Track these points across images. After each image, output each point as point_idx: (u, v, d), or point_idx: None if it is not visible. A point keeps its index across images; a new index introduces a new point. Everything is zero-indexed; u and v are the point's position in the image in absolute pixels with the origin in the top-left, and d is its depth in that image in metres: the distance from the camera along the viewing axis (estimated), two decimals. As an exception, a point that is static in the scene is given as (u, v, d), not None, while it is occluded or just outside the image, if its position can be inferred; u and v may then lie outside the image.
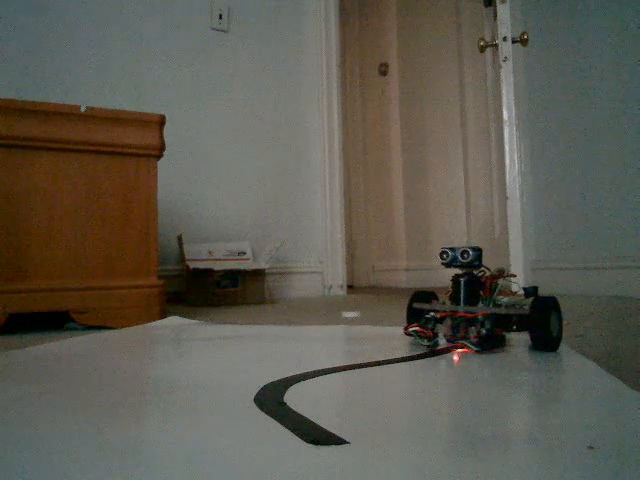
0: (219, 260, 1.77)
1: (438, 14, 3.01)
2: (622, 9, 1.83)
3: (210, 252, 1.79)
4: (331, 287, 2.20)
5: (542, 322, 0.64)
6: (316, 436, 0.33)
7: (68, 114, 1.09)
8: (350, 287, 2.57)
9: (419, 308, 0.71)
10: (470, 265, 0.68)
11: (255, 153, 2.09)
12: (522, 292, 0.72)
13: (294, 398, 0.42)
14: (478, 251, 0.69)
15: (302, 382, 0.48)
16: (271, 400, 0.41)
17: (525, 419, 0.41)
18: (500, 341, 0.66)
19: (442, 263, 0.69)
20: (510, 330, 0.67)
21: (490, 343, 0.64)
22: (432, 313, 0.67)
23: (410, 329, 0.67)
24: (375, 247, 3.14)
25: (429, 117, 3.01)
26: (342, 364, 0.57)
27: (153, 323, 1.09)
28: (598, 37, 1.90)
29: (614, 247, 1.82)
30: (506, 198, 1.76)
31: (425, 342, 0.66)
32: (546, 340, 0.65)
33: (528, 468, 0.29)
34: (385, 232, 3.07)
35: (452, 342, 0.64)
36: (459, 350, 0.63)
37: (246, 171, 2.07)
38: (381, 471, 0.28)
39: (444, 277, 3.09)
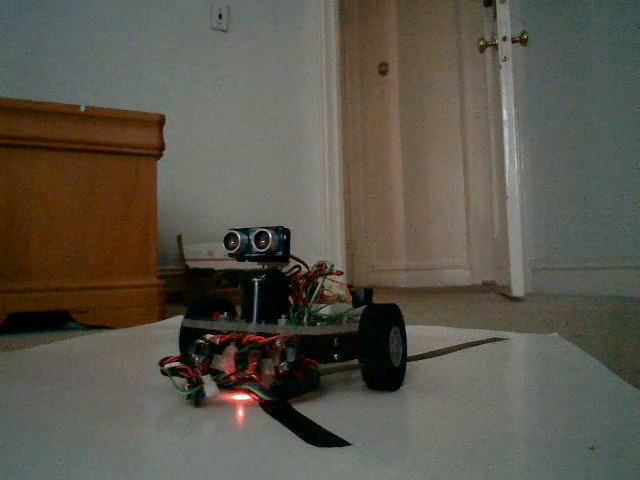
0: (219, 260, 1.77)
1: (438, 14, 3.01)
2: (622, 9, 1.83)
3: (210, 252, 1.79)
4: (330, 287, 2.19)
5: (376, 345, 0.44)
6: (317, 437, 0.33)
7: (68, 114, 1.09)
8: (350, 287, 2.57)
9: (194, 328, 0.48)
10: (273, 257, 0.47)
11: (255, 153, 2.09)
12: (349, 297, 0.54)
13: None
14: (284, 233, 0.46)
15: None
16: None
17: (525, 419, 0.41)
18: (310, 382, 0.42)
19: (229, 254, 0.48)
20: (331, 360, 0.46)
21: (292, 387, 0.41)
22: (209, 336, 0.44)
23: (165, 365, 0.43)
24: (375, 247, 3.14)
25: (429, 117, 3.00)
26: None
27: (155, 323, 1.09)
28: (598, 37, 1.89)
29: (614, 247, 1.82)
30: (506, 198, 1.76)
31: (184, 390, 0.40)
32: (384, 373, 0.44)
33: (528, 468, 0.29)
34: (385, 232, 3.07)
35: (231, 385, 0.40)
36: (240, 399, 0.41)
37: (246, 171, 2.06)
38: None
39: (445, 277, 3.08)
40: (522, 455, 0.32)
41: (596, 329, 0.93)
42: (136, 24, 1.89)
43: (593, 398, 0.44)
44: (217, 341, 0.43)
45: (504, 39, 1.77)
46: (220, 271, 1.71)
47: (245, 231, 0.47)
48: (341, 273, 0.53)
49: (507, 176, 1.77)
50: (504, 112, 1.79)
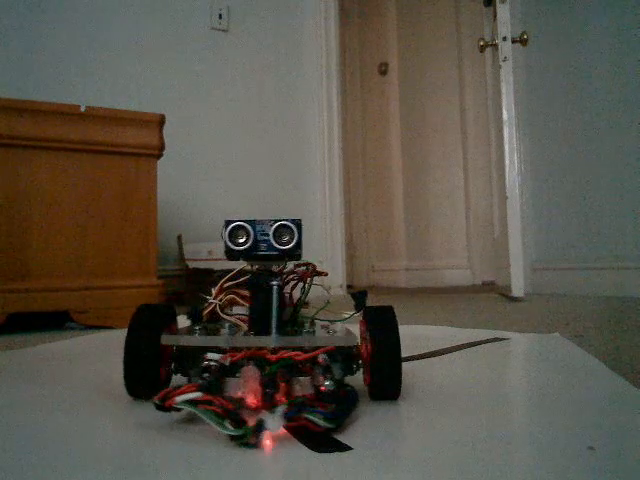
0: (219, 260, 1.77)
1: (438, 14, 3.01)
2: (622, 9, 1.83)
3: (210, 252, 1.79)
4: (330, 287, 2.20)
5: (390, 355, 0.39)
6: (319, 442, 0.32)
7: (68, 114, 1.09)
8: (350, 287, 2.57)
9: (182, 346, 0.39)
10: (291, 255, 0.40)
11: (255, 153, 2.09)
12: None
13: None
14: (299, 226, 0.40)
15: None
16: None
17: (525, 418, 0.41)
18: (354, 401, 0.36)
19: (234, 251, 0.39)
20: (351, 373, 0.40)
21: (346, 409, 0.34)
22: (211, 355, 0.36)
23: (178, 399, 0.32)
24: (375, 247, 3.14)
25: (429, 117, 3.01)
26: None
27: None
28: (598, 37, 1.89)
29: (614, 247, 1.82)
30: (506, 198, 1.76)
31: (231, 429, 0.30)
32: (396, 382, 0.40)
33: (528, 468, 0.29)
34: (385, 232, 3.07)
35: (292, 416, 0.31)
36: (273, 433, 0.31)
37: (246, 171, 2.06)
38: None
39: (445, 277, 3.08)
40: (522, 455, 0.32)
41: (596, 329, 0.93)
42: (136, 24, 1.89)
43: (593, 398, 0.44)
44: (227, 361, 0.35)
45: (504, 39, 1.76)
46: (220, 271, 1.71)
47: (253, 223, 0.39)
48: (326, 274, 0.48)
49: (507, 176, 1.77)
50: (504, 112, 1.79)
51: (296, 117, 2.20)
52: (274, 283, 0.39)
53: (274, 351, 0.36)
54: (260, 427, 0.30)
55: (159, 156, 1.18)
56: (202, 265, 1.71)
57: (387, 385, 0.40)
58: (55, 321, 1.10)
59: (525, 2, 2.16)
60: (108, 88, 1.81)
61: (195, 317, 0.44)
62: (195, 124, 1.97)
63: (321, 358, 0.35)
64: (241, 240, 0.39)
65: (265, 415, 0.31)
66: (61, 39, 1.76)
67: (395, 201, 3.02)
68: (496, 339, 0.76)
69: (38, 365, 0.64)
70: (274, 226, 0.39)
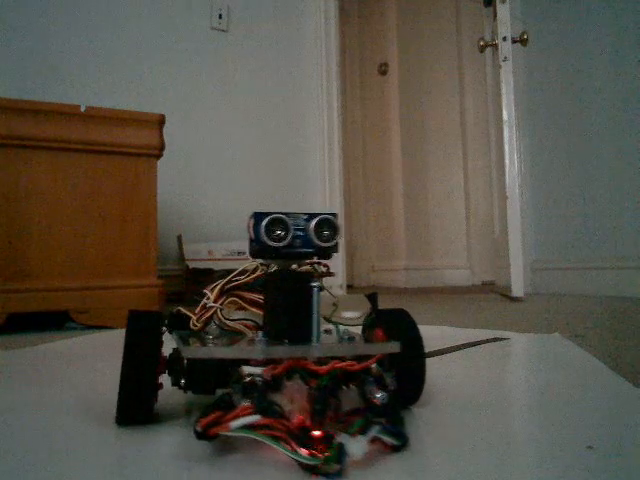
0: (219, 260, 1.77)
1: (438, 14, 3.01)
2: (622, 9, 1.83)
3: (210, 252, 1.79)
4: (331, 287, 2.20)
5: (418, 360, 0.38)
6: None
7: (68, 114, 1.08)
8: (350, 287, 2.57)
9: (204, 359, 0.34)
10: (328, 253, 0.36)
11: (255, 153, 2.09)
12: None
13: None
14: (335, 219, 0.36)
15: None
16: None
17: (525, 418, 0.41)
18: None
19: (271, 248, 0.34)
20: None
21: (402, 420, 0.31)
22: (250, 369, 0.31)
23: (234, 425, 0.27)
24: (375, 247, 3.14)
25: (429, 117, 3.01)
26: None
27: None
28: (598, 37, 1.89)
29: (614, 247, 1.82)
30: (506, 198, 1.76)
31: (310, 458, 0.26)
32: (420, 387, 0.39)
33: (528, 468, 0.29)
34: (385, 232, 3.07)
35: (360, 431, 0.28)
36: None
37: (246, 171, 2.06)
38: None
39: (445, 277, 3.08)
40: (521, 454, 0.32)
41: (596, 329, 0.93)
42: (136, 24, 1.89)
43: (593, 398, 0.44)
44: (269, 376, 0.31)
45: (504, 39, 1.76)
46: (220, 271, 1.71)
47: (287, 218, 0.35)
48: (332, 274, 0.44)
49: (507, 176, 1.77)
50: (504, 112, 1.79)
51: (296, 117, 2.20)
52: (315, 284, 0.35)
53: (319, 362, 0.32)
54: (341, 453, 0.26)
55: (159, 156, 1.18)
56: (202, 265, 1.71)
57: (410, 390, 0.38)
58: (55, 321, 1.10)
59: (525, 2, 2.16)
60: (108, 88, 1.81)
61: (175, 326, 0.40)
62: (195, 124, 1.97)
63: (374, 367, 0.33)
64: (279, 234, 0.34)
65: (344, 438, 0.27)
66: (61, 39, 1.76)
67: (395, 201, 3.02)
68: (496, 339, 0.76)
69: (38, 365, 0.64)
70: (315, 220, 0.35)
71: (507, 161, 1.79)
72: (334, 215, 0.36)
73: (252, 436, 0.27)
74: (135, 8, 1.89)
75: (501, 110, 1.80)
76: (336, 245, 0.36)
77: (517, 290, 1.69)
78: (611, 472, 0.28)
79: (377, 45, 3.15)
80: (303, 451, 0.26)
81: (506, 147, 1.80)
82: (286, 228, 0.34)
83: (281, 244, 0.34)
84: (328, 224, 0.35)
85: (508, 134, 1.81)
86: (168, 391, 0.37)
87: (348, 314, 1.16)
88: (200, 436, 0.28)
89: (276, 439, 0.26)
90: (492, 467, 0.29)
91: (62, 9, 1.77)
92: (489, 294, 2.04)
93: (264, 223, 0.34)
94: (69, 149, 1.08)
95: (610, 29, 1.86)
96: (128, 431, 0.35)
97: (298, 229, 0.35)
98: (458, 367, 0.59)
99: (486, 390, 0.48)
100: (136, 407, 0.35)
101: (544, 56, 2.10)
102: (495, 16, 1.81)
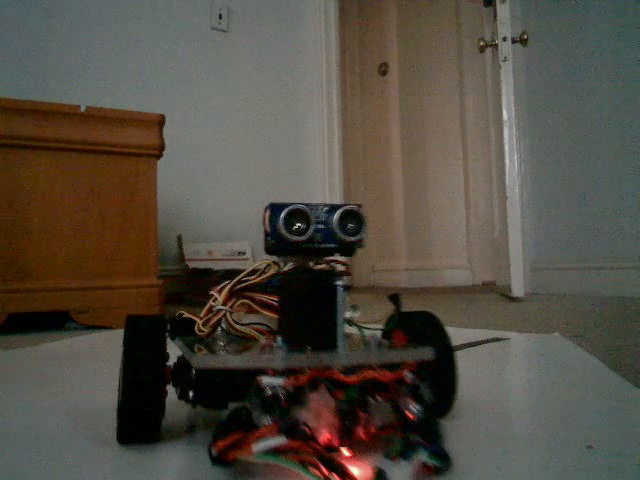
0: (219, 260, 1.77)
1: (438, 14, 3.01)
2: (622, 9, 1.83)
3: (210, 252, 1.79)
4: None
5: (452, 368, 0.37)
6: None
7: (68, 114, 1.09)
8: (350, 287, 2.57)
9: (216, 369, 0.30)
10: (350, 248, 0.33)
11: (255, 153, 2.09)
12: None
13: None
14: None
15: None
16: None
17: (525, 418, 0.41)
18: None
19: (291, 242, 0.30)
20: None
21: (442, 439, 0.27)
22: (270, 380, 0.27)
23: (257, 448, 0.24)
24: (375, 247, 3.14)
25: (429, 117, 3.00)
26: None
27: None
28: (598, 37, 1.89)
29: (614, 247, 1.82)
30: (506, 198, 1.76)
31: None
32: (453, 397, 0.37)
33: (527, 468, 0.29)
34: (385, 232, 3.07)
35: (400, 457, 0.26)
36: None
37: (246, 171, 2.06)
38: None
39: (445, 277, 3.07)
40: (521, 454, 0.32)
41: (596, 329, 0.93)
42: (136, 24, 1.89)
43: (593, 398, 0.44)
44: (291, 386, 0.26)
45: (504, 39, 1.76)
46: (220, 271, 1.71)
47: (309, 209, 0.31)
48: (349, 274, 0.39)
49: (507, 176, 1.77)
50: (504, 112, 1.79)
51: (296, 117, 2.20)
52: (339, 284, 0.31)
53: (346, 371, 0.28)
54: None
55: (159, 156, 1.18)
56: (202, 265, 1.71)
57: (443, 401, 0.36)
58: (55, 321, 1.10)
59: (525, 2, 2.16)
60: (108, 88, 1.81)
61: (178, 331, 0.38)
62: (195, 124, 1.97)
63: (409, 377, 0.29)
64: (299, 227, 0.31)
65: (383, 462, 0.24)
66: (61, 39, 1.76)
67: (395, 201, 3.02)
68: (496, 339, 0.76)
69: (38, 365, 0.64)
70: (339, 211, 0.31)
71: (507, 161, 1.79)
72: (359, 206, 0.32)
73: (279, 463, 0.23)
74: (135, 8, 1.89)
75: (501, 110, 1.80)
76: (361, 240, 0.32)
77: (517, 290, 1.69)
78: (611, 472, 0.28)
79: (377, 45, 3.14)
80: (336, 478, 0.23)
81: (506, 147, 1.80)
82: (307, 221, 0.31)
83: (301, 238, 0.30)
84: (353, 216, 0.32)
85: (508, 134, 1.81)
86: (170, 403, 0.34)
87: (347, 314, 1.15)
88: (216, 461, 0.24)
89: (304, 465, 0.23)
90: (492, 467, 0.29)
91: (62, 9, 1.77)
92: (489, 294, 2.04)
93: (283, 215, 0.30)
94: (69, 149, 1.08)
95: (610, 29, 1.86)
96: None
97: (318, 222, 0.31)
98: (458, 367, 0.58)
99: (486, 390, 0.48)
100: (139, 428, 0.31)
101: (544, 56, 2.10)
102: (495, 16, 1.81)
